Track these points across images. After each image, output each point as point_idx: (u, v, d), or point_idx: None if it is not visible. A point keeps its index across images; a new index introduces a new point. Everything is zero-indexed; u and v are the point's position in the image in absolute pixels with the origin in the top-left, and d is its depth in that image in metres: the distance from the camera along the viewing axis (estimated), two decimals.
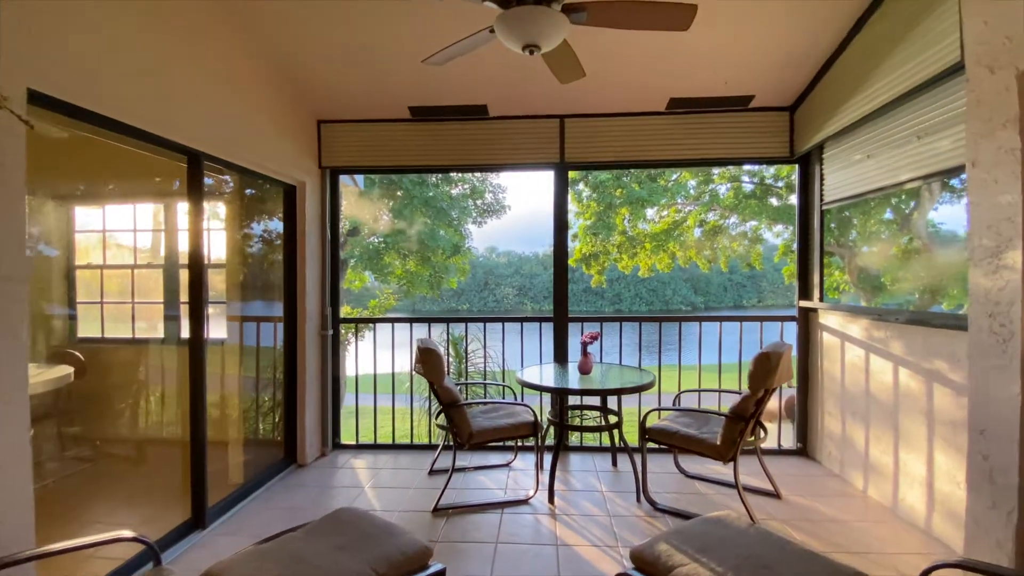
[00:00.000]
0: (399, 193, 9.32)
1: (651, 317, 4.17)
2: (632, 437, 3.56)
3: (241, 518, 2.98)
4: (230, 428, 3.43)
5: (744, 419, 2.71)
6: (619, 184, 10.62)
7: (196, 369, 2.80)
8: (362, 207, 9.09)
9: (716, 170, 10.75)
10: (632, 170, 10.69)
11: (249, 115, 3.19)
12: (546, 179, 3.93)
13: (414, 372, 3.10)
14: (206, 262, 2.87)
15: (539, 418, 3.25)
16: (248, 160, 3.19)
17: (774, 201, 10.59)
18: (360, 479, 3.53)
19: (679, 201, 11.13)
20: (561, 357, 4.01)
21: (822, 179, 3.64)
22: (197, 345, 2.79)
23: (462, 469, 3.65)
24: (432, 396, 3.12)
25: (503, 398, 4.41)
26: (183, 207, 2.79)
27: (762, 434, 3.03)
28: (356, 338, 5.14)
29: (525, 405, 3.32)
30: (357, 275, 9.90)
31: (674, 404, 3.41)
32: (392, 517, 2.96)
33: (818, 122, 3.47)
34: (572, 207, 11.22)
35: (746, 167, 10.91)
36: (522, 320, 4.24)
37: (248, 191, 3.57)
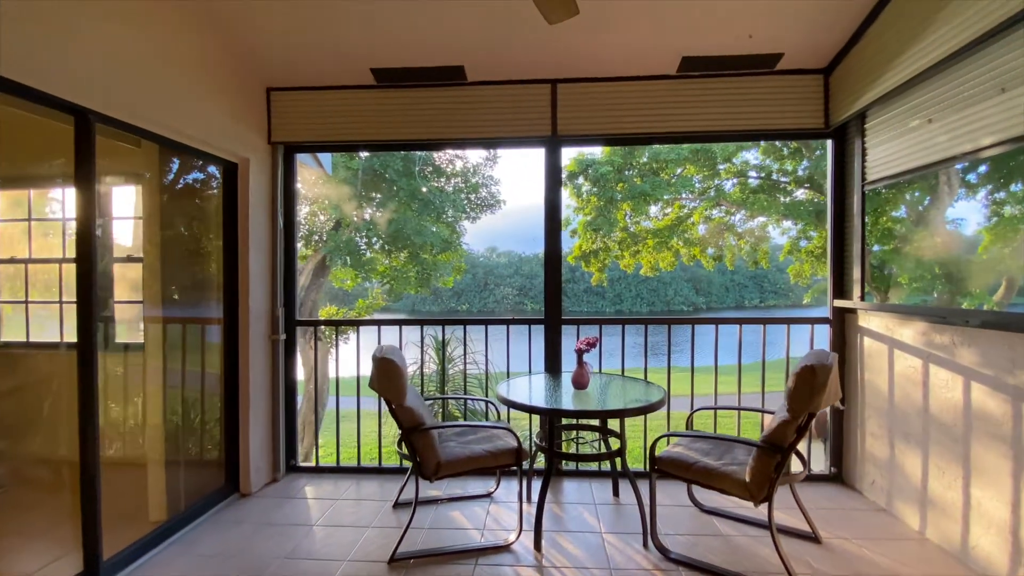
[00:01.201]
0: (383, 184, 8.70)
1: (659, 319, 3.58)
2: (636, 458, 2.97)
3: (149, 570, 2.39)
4: (151, 453, 2.84)
5: (781, 449, 2.12)
6: (621, 178, 10.04)
7: (85, 382, 2.21)
8: (340, 197, 8.44)
9: (722, 164, 10.14)
10: (633, 161, 10.12)
11: (169, 71, 2.59)
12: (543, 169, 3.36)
13: (370, 388, 2.50)
14: (108, 253, 2.29)
15: (524, 443, 2.66)
16: (165, 127, 2.59)
17: (781, 197, 9.98)
18: (311, 514, 2.94)
19: (683, 196, 10.52)
20: (553, 366, 3.42)
21: (864, 154, 3.04)
22: (86, 353, 2.20)
23: (433, 501, 3.06)
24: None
25: (486, 414, 3.81)
26: (90, 182, 2.20)
27: (799, 467, 2.45)
28: (316, 341, 4.56)
29: (507, 428, 2.72)
30: (348, 273, 9.24)
31: (687, 427, 2.82)
32: (338, 571, 2.37)
33: (861, 84, 2.88)
34: (572, 202, 10.64)
35: (752, 161, 10.32)
36: (508, 322, 3.63)
37: (174, 168, 2.98)
